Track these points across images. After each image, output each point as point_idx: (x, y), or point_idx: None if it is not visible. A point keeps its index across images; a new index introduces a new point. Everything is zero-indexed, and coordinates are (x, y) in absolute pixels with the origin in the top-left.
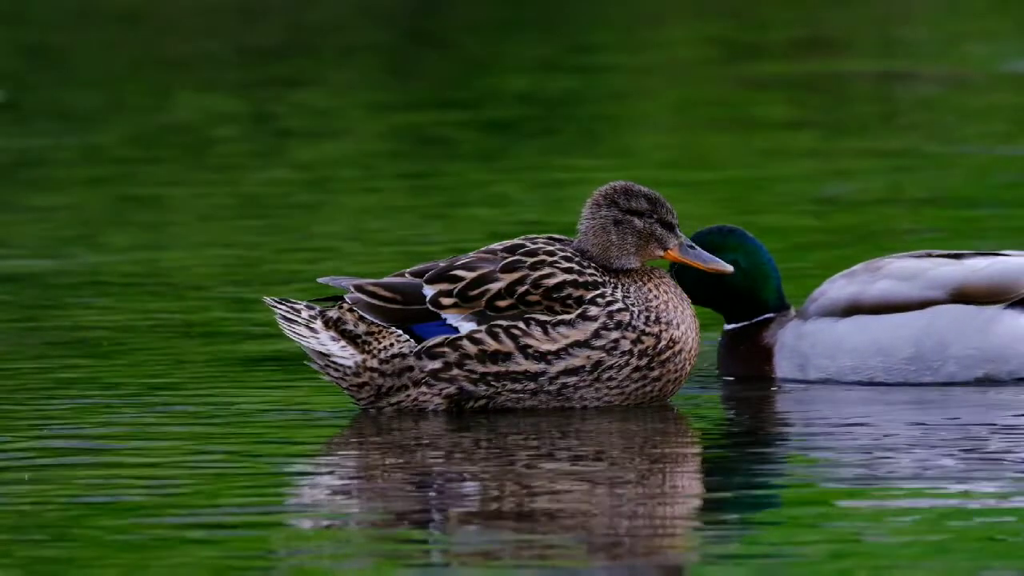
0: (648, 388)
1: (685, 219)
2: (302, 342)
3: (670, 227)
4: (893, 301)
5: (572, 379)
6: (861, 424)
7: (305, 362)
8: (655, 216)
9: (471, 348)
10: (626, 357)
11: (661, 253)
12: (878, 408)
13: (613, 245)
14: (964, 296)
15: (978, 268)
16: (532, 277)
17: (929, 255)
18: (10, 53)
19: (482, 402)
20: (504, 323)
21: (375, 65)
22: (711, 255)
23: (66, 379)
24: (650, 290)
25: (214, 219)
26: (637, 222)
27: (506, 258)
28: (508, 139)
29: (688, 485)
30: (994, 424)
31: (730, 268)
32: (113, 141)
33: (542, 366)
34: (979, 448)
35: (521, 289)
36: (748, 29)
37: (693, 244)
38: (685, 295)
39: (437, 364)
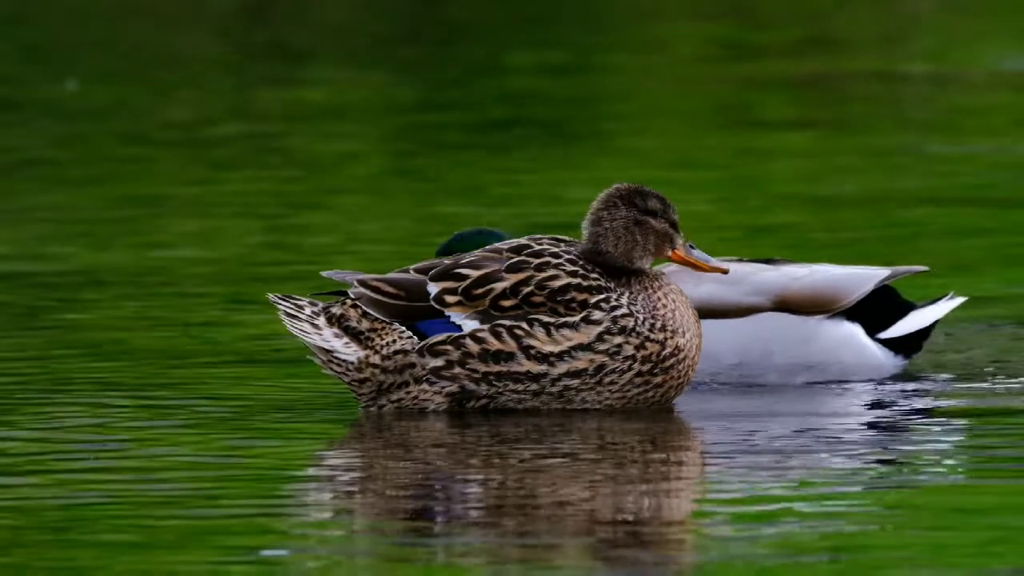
0: (650, 393)
1: (685, 219)
2: (305, 338)
3: (676, 227)
4: (718, 305)
5: (574, 381)
6: (858, 422)
7: (308, 357)
8: (666, 216)
9: (474, 347)
10: (629, 362)
11: (669, 253)
12: (846, 406)
13: (638, 245)
14: (786, 304)
15: (798, 276)
16: (537, 278)
17: (740, 261)
18: (10, 52)
19: (483, 402)
20: (507, 323)
21: (376, 64)
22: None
23: (66, 379)
24: (659, 298)
25: (213, 218)
26: (653, 222)
27: (511, 258)
28: (509, 139)
29: (689, 484)
30: (905, 417)
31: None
32: (112, 141)
33: (544, 367)
34: (951, 441)
35: (526, 290)
36: (748, 29)
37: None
38: (689, 300)
39: (439, 362)
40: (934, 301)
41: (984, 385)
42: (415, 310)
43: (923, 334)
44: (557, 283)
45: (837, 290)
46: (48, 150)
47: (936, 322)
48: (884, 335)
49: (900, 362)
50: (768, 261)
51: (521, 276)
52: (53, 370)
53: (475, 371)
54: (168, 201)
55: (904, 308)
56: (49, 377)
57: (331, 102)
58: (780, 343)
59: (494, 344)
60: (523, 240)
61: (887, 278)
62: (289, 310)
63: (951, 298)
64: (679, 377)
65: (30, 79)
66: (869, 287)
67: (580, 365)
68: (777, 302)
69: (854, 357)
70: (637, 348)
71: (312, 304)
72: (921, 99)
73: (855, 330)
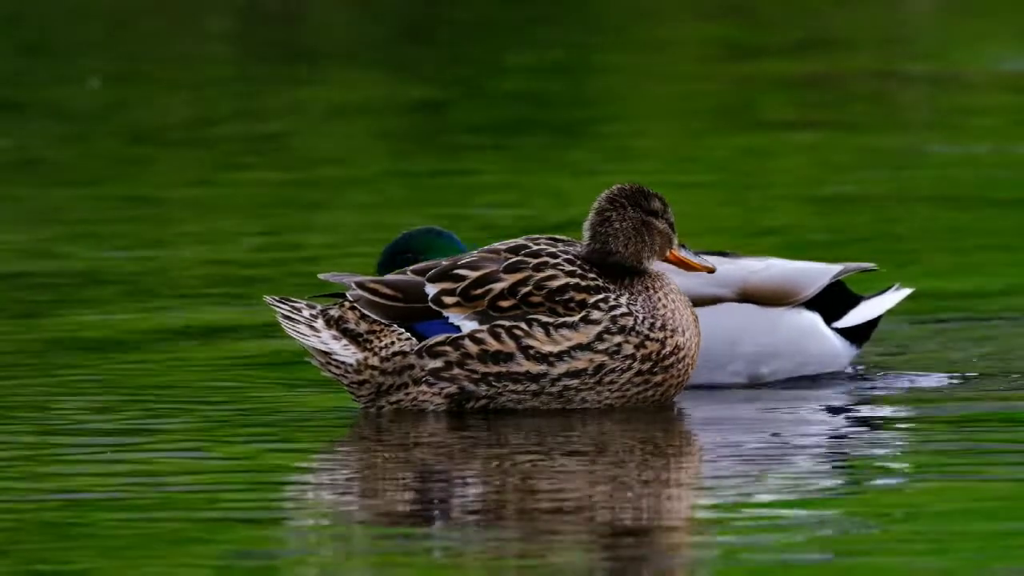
0: (650, 392)
1: (686, 218)
2: (303, 340)
3: (674, 227)
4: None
5: (574, 381)
6: (857, 421)
7: (306, 359)
8: (665, 216)
9: (472, 348)
10: (628, 361)
11: (667, 253)
12: (838, 403)
13: (646, 246)
14: (748, 296)
15: (756, 269)
16: (535, 278)
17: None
18: (10, 52)
19: (483, 402)
20: (506, 323)
21: (376, 64)
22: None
23: (66, 379)
24: (660, 298)
25: (213, 218)
26: (657, 222)
27: (509, 258)
28: (508, 139)
29: (688, 484)
30: (905, 416)
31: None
32: (112, 141)
33: (544, 367)
34: (950, 440)
35: (524, 290)
36: (748, 29)
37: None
38: (688, 299)
39: (438, 363)
40: (880, 293)
41: (984, 384)
42: (413, 311)
43: (873, 324)
44: (555, 283)
45: (796, 283)
46: (48, 150)
47: (885, 312)
48: (838, 325)
49: (853, 351)
50: (721, 254)
51: (519, 276)
52: (53, 370)
53: (474, 372)
54: (168, 201)
55: (854, 300)
56: (49, 377)
57: (331, 102)
58: (746, 332)
59: (493, 345)
60: (520, 240)
61: (840, 273)
62: (287, 313)
63: (897, 289)
64: (679, 376)
65: (30, 79)
66: (826, 281)
67: (580, 365)
68: (740, 293)
69: (816, 346)
70: (637, 347)
71: (310, 306)
72: (921, 99)
73: (816, 320)
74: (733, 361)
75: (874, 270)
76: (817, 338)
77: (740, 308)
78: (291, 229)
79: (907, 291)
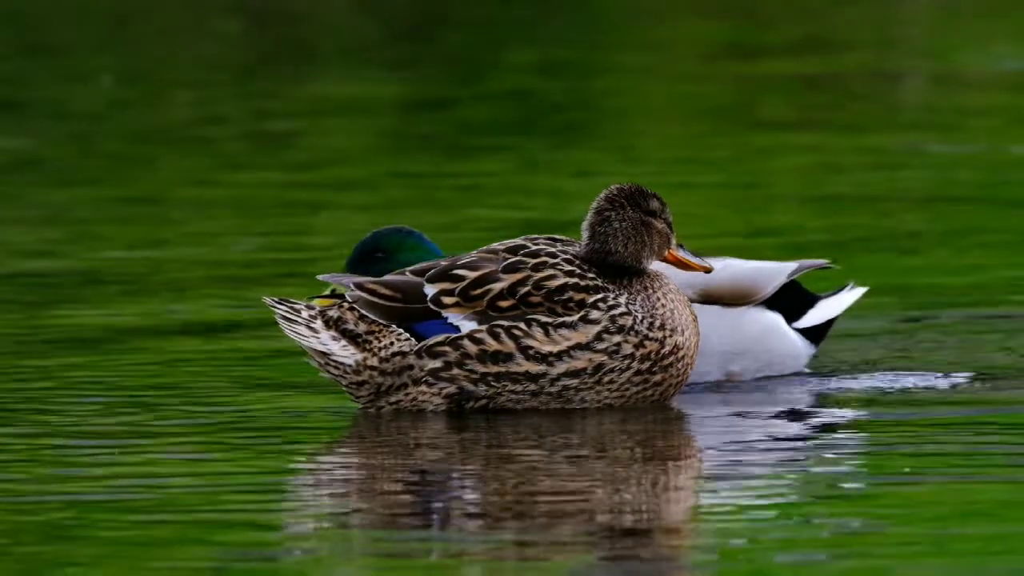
0: (649, 392)
1: (686, 219)
2: (302, 342)
3: (672, 227)
4: None
5: (573, 381)
6: (858, 419)
7: (305, 360)
8: (663, 216)
9: (472, 348)
10: (628, 361)
11: (666, 253)
12: (833, 400)
13: (646, 246)
14: (710, 296)
15: (716, 270)
16: (534, 278)
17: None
18: (11, 51)
19: (482, 402)
20: (505, 323)
21: (376, 64)
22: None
23: (66, 379)
24: (658, 298)
25: (213, 218)
26: (655, 222)
27: (508, 258)
28: (509, 139)
29: (688, 483)
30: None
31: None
32: (112, 141)
33: (543, 367)
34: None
35: (523, 290)
36: (748, 29)
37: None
38: (686, 298)
39: (437, 363)
40: (836, 292)
41: (984, 385)
42: (412, 312)
43: (830, 323)
44: (554, 283)
45: (754, 283)
46: (49, 150)
47: (843, 311)
48: (798, 325)
49: (812, 350)
50: None
51: (518, 276)
52: (53, 370)
53: (473, 372)
54: (168, 201)
55: (811, 299)
56: (49, 377)
57: (333, 102)
58: (714, 332)
59: (492, 345)
60: (519, 240)
61: (795, 271)
62: (286, 314)
63: (851, 288)
64: (678, 375)
65: (32, 79)
66: (782, 279)
67: (579, 365)
68: (702, 294)
69: (779, 345)
70: (636, 347)
71: (309, 307)
72: (921, 99)
73: (778, 319)
74: (703, 361)
75: (829, 267)
76: (780, 337)
77: (705, 309)
78: (291, 229)
79: (862, 290)
